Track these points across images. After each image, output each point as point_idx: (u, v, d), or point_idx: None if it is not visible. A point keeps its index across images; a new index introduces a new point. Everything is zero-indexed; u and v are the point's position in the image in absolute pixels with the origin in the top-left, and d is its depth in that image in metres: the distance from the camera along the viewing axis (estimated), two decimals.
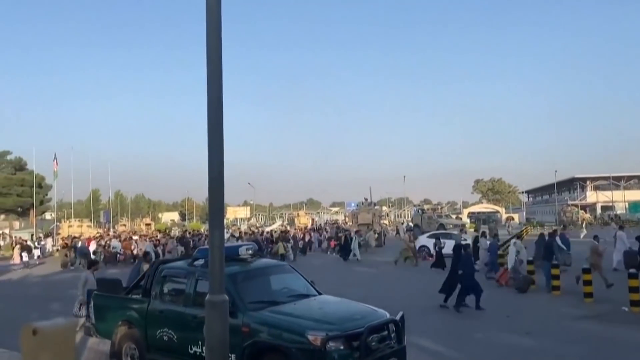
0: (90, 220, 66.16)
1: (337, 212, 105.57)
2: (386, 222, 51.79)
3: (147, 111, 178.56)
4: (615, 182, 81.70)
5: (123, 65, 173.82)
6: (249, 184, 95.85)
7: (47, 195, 68.81)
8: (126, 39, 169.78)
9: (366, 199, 48.99)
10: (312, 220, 77.29)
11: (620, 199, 77.07)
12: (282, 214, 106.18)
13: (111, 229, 61.65)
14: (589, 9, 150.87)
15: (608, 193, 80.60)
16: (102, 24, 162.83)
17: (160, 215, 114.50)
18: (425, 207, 60.79)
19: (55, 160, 46.97)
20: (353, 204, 69.43)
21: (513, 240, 17.41)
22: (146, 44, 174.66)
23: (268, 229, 58.11)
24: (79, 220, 61.35)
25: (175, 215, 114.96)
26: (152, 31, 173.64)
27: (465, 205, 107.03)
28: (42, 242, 38.27)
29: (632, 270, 12.24)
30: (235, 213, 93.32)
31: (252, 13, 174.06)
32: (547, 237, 18.14)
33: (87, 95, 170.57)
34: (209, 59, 5.24)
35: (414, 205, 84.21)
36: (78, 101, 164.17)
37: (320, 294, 7.76)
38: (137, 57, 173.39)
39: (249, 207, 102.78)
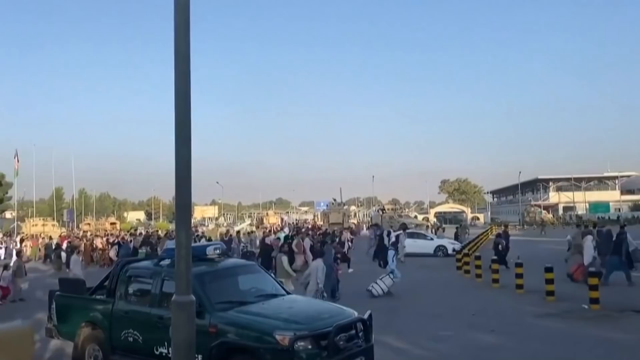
0: (54, 219, 64.53)
1: (306, 211, 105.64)
2: (355, 221, 52.00)
3: (112, 108, 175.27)
4: (577, 184, 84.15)
5: (87, 61, 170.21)
6: (217, 182, 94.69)
7: (7, 193, 66.87)
8: (92, 35, 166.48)
9: (335, 200, 49.34)
10: (282, 219, 77.12)
11: (581, 199, 79.41)
12: (250, 213, 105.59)
13: (75, 228, 60.27)
14: (548, 8, 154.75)
15: (570, 194, 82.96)
16: (64, 19, 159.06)
17: (125, 214, 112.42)
18: (386, 207, 61.06)
19: (16, 158, 45.69)
20: (322, 204, 69.69)
21: (588, 236, 16.75)
22: (112, 39, 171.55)
23: (236, 228, 57.73)
24: (43, 219, 59.81)
25: (141, 215, 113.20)
26: (118, 27, 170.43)
27: (432, 205, 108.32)
28: (12, 242, 36.59)
29: (591, 269, 12.59)
30: (202, 212, 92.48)
31: (222, 9, 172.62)
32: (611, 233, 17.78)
33: (50, 91, 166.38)
34: (177, 55, 5.14)
35: (377, 206, 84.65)
36: (40, 97, 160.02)
37: (288, 293, 7.74)
38: (102, 53, 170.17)
39: (217, 206, 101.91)
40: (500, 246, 20.60)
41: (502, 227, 27.31)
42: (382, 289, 14.23)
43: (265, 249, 19.75)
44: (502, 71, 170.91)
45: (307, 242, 21.00)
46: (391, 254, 16.67)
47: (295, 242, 21.07)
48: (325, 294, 12.34)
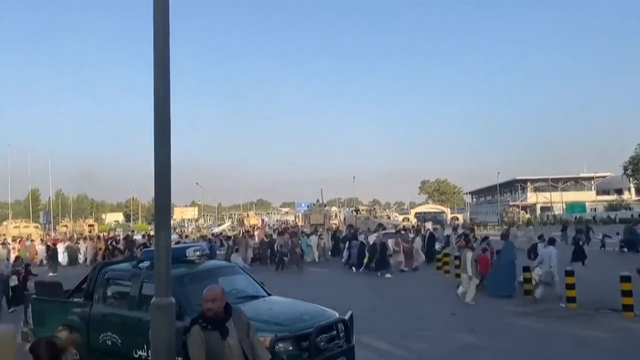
0: (30, 221, 63.39)
1: (287, 212, 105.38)
2: (336, 222, 52.02)
3: (90, 108, 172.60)
4: (554, 184, 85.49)
5: (65, 61, 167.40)
6: (197, 184, 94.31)
7: None
8: (69, 34, 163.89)
9: (318, 200, 49.38)
10: (262, 220, 76.84)
11: (558, 199, 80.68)
12: (231, 214, 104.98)
13: (52, 230, 59.31)
14: (523, 12, 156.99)
15: (547, 194, 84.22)
16: (40, 18, 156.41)
17: (103, 216, 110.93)
18: (362, 207, 60.96)
19: None
20: (303, 204, 69.61)
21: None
22: (90, 40, 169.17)
23: (216, 229, 57.35)
24: (25, 221, 58.73)
25: (119, 216, 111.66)
26: (96, 26, 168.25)
27: (413, 205, 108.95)
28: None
29: (568, 269, 12.77)
30: (182, 214, 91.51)
31: (202, 11, 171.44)
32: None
33: (27, 91, 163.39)
34: (156, 56, 5.08)
35: (343, 207, 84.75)
36: (16, 97, 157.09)
37: (269, 294, 7.71)
38: (79, 52, 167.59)
39: (196, 208, 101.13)
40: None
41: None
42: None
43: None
44: (481, 74, 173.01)
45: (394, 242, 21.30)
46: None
47: (393, 241, 21.21)
48: (555, 277, 12.73)
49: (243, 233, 34.07)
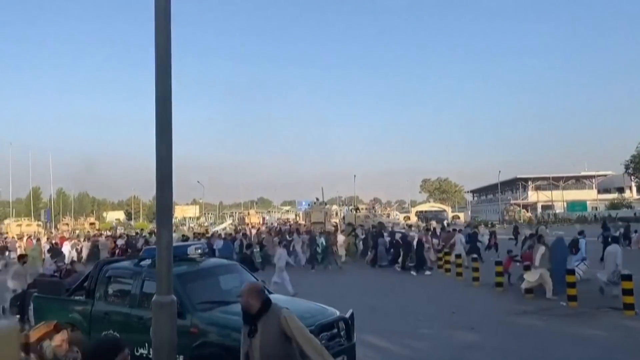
0: (31, 219, 63.46)
1: (288, 211, 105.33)
2: (336, 220, 51.98)
3: (91, 106, 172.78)
4: (555, 183, 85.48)
5: (66, 58, 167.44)
6: (198, 182, 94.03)
7: None
8: (70, 33, 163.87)
9: (318, 199, 49.31)
10: (263, 219, 76.77)
11: (560, 198, 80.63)
12: (232, 212, 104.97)
13: (53, 228, 59.37)
14: (523, 11, 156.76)
15: (548, 193, 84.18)
16: (42, 16, 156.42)
17: (105, 214, 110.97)
18: (361, 206, 60.86)
19: None
20: (304, 203, 69.48)
21: None
22: (91, 39, 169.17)
23: (217, 228, 57.29)
24: (27, 219, 58.84)
25: (120, 215, 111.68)
26: (98, 27, 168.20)
27: (414, 204, 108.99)
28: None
29: (568, 267, 12.78)
30: (183, 212, 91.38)
31: (203, 8, 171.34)
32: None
33: (29, 90, 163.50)
34: (157, 55, 5.08)
35: (344, 205, 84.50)
36: (18, 96, 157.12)
37: (270, 293, 7.71)
38: (81, 52, 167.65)
39: (198, 206, 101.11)
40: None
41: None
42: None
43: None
44: (482, 73, 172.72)
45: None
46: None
47: (444, 236, 21.40)
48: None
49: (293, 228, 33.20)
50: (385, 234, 23.97)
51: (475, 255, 18.81)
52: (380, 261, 22.04)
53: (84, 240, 32.50)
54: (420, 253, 19.73)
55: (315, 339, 4.31)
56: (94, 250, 28.74)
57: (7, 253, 29.17)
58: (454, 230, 24.91)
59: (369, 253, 23.01)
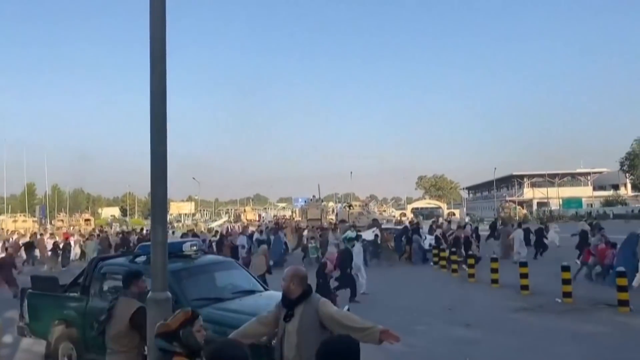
0: (26, 215, 63.24)
1: (284, 207, 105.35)
2: (333, 217, 51.94)
3: (86, 103, 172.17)
4: (550, 180, 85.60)
5: (60, 57, 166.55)
6: (193, 178, 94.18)
7: None
8: (64, 32, 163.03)
9: (314, 196, 49.35)
10: (259, 216, 76.75)
11: (555, 195, 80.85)
12: (228, 209, 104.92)
13: (48, 225, 59.14)
14: (521, 9, 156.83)
15: (543, 190, 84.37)
16: (37, 16, 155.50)
17: (100, 210, 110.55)
18: (354, 203, 60.86)
19: None
20: (301, 200, 69.53)
21: None
22: (84, 36, 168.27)
23: (213, 225, 57.26)
24: (23, 215, 58.66)
25: (115, 211, 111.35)
26: (90, 22, 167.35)
27: (410, 201, 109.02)
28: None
29: (564, 264, 12.80)
30: (179, 208, 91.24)
31: (199, 7, 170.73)
32: None
33: (23, 86, 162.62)
34: (152, 50, 5.02)
35: (340, 202, 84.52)
36: (11, 92, 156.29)
37: (267, 289, 7.70)
38: (74, 49, 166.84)
39: (193, 203, 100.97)
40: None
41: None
42: None
43: None
44: (478, 70, 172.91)
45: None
46: None
47: (455, 235, 20.93)
48: None
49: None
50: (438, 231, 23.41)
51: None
52: (414, 258, 21.73)
53: (96, 237, 31.77)
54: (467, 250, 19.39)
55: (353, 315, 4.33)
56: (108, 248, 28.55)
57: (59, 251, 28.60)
58: (460, 227, 23.96)
59: (405, 250, 22.52)
